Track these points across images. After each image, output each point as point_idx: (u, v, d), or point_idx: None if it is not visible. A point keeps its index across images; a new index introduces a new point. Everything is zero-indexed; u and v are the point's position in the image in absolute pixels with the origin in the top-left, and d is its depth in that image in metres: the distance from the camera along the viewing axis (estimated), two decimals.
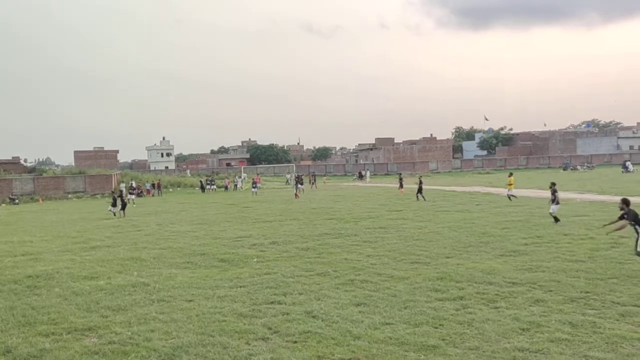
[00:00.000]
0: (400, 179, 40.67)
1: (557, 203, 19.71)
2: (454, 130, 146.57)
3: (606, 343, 7.13)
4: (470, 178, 61.40)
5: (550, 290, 9.85)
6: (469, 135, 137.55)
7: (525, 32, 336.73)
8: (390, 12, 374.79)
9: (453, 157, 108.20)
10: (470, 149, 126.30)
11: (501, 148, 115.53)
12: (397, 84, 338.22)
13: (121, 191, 33.20)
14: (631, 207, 11.62)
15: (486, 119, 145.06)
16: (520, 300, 9.29)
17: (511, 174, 31.42)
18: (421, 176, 39.54)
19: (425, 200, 30.67)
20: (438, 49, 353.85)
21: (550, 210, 19.80)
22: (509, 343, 7.27)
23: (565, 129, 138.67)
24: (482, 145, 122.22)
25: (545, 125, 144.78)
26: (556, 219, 19.01)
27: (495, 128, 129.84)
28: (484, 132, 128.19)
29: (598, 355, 6.71)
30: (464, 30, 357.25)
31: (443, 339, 7.49)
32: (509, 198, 28.83)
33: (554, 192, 20.11)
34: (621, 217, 11.60)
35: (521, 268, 11.79)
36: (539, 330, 7.72)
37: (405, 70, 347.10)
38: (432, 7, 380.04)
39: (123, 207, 29.20)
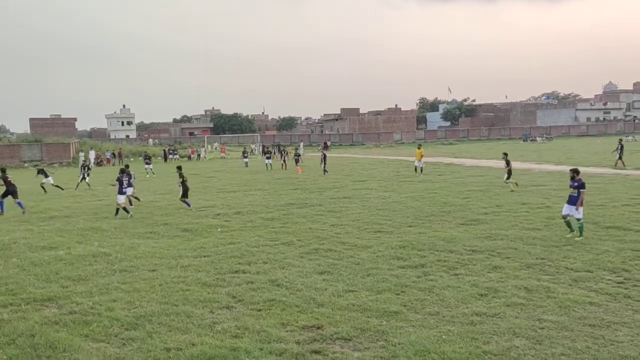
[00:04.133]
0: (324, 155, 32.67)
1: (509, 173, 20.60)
2: (418, 101, 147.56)
3: (559, 307, 7.45)
4: (434, 149, 62.23)
5: (508, 257, 10.18)
6: (433, 106, 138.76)
7: (492, 5, 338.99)
8: None
9: (417, 128, 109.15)
10: (434, 120, 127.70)
11: (464, 119, 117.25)
12: (364, 54, 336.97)
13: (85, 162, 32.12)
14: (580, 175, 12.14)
15: (450, 91, 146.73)
16: (479, 267, 9.58)
17: (420, 146, 30.11)
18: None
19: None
20: (405, 21, 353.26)
21: (505, 180, 20.57)
22: (467, 308, 7.51)
23: (526, 101, 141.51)
24: (446, 116, 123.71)
25: (506, 97, 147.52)
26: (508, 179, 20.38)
27: (459, 99, 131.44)
28: (447, 103, 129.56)
29: (551, 319, 7.01)
30: (433, 2, 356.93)
31: (404, 305, 7.68)
32: (416, 170, 28.08)
33: (507, 162, 21.00)
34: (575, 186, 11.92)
35: (481, 236, 12.12)
36: (496, 296, 8.00)
37: (373, 40, 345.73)
38: None
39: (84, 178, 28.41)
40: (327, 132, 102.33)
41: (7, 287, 9.14)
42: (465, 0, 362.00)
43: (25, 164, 49.02)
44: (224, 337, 6.69)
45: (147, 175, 33.20)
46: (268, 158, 37.77)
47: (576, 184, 11.84)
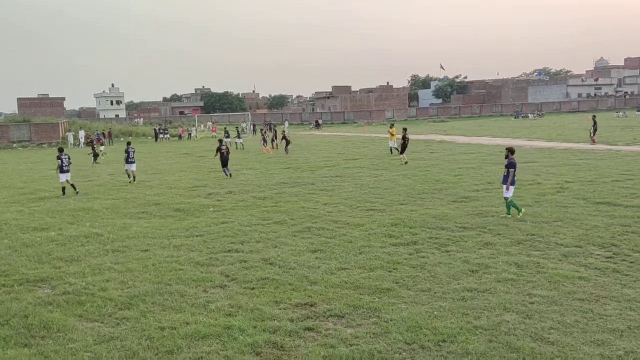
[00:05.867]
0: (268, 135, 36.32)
1: None
2: (410, 79, 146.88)
3: (549, 282, 7.55)
4: (426, 126, 62.23)
5: (499, 234, 10.27)
6: (425, 83, 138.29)
7: None
8: None
9: (409, 106, 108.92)
10: (426, 97, 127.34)
11: (456, 96, 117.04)
12: (355, 31, 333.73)
13: (92, 140, 32.48)
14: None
15: (442, 68, 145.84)
16: (470, 244, 9.66)
17: (392, 125, 29.77)
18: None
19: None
20: None
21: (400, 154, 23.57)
22: (458, 284, 7.59)
23: (518, 77, 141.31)
24: (438, 93, 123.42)
25: (498, 73, 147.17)
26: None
27: (451, 76, 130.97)
28: (439, 80, 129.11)
29: (541, 293, 7.11)
30: None
31: (396, 282, 7.75)
32: (391, 151, 27.49)
33: (404, 137, 23.21)
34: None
35: (472, 213, 12.20)
36: (487, 272, 8.09)
37: (364, 17, 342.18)
38: None
39: (95, 157, 29.29)
40: (318, 110, 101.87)
41: None
42: None
43: (14, 145, 48.53)
44: (218, 315, 6.73)
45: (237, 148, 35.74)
46: (239, 137, 38.55)
47: (507, 163, 11.94)
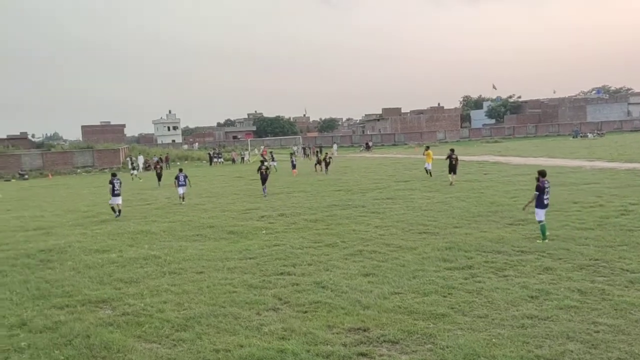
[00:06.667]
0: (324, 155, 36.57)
1: None
2: (461, 100, 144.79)
3: (615, 310, 7.16)
4: (479, 147, 61.02)
5: (560, 259, 9.86)
6: (477, 104, 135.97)
7: None
8: None
9: (461, 127, 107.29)
10: (479, 117, 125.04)
11: (510, 116, 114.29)
12: (405, 54, 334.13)
13: (157, 162, 36.62)
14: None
15: (494, 88, 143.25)
16: (529, 269, 9.32)
17: (428, 147, 29.25)
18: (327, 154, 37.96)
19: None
20: (447, 17, 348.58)
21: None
22: (517, 311, 7.31)
23: (575, 96, 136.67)
24: (491, 113, 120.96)
25: (554, 92, 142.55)
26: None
27: (504, 96, 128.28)
28: (492, 100, 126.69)
29: (607, 322, 6.74)
30: None
31: (452, 308, 7.55)
32: (427, 172, 26.89)
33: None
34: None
35: (530, 237, 11.79)
36: (548, 298, 7.76)
37: (414, 39, 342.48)
38: None
39: (159, 179, 31.84)
40: (368, 133, 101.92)
41: (63, 289, 9.53)
42: None
43: (79, 170, 50.97)
44: (271, 338, 6.75)
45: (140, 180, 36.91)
46: (273, 160, 40.22)
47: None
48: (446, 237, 12.31)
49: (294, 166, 35.14)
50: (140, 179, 37.43)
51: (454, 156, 23.47)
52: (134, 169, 41.39)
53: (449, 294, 8.20)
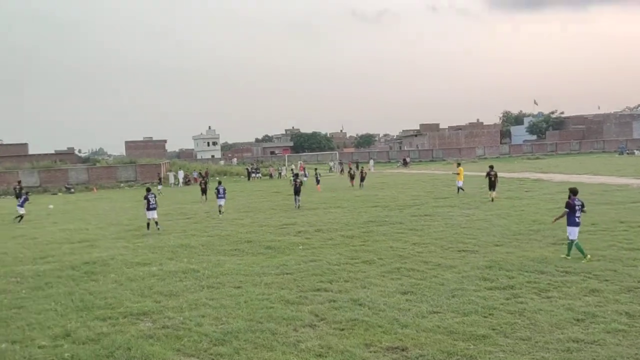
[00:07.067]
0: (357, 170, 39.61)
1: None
2: (501, 115, 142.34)
3: None
4: (519, 164, 59.70)
5: (606, 280, 9.51)
6: (518, 119, 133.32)
7: (583, 11, 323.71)
8: None
9: (501, 143, 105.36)
10: (519, 133, 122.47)
11: (552, 132, 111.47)
12: (442, 69, 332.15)
13: (204, 178, 37.30)
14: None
15: (536, 103, 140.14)
16: (574, 290, 9.01)
17: (459, 164, 29.01)
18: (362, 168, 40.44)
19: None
20: (487, 31, 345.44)
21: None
22: (562, 334, 7.07)
23: (621, 111, 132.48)
24: (532, 129, 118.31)
25: (599, 108, 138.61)
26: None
27: (546, 112, 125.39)
28: (533, 116, 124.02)
29: None
30: (518, 10, 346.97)
31: (493, 329, 7.36)
32: (458, 190, 26.54)
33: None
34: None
35: (575, 257, 11.41)
36: (594, 321, 7.48)
37: (451, 54, 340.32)
38: None
39: (203, 193, 31.81)
40: (406, 148, 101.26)
41: (106, 301, 9.76)
42: (553, 8, 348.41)
43: (122, 184, 52.41)
44: (309, 356, 6.73)
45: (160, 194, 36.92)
46: (305, 176, 41.60)
47: None
48: (486, 255, 12.05)
49: (318, 182, 36.14)
50: (161, 192, 38.33)
51: (492, 173, 23.37)
52: (160, 183, 43.48)
53: (489, 314, 8.00)
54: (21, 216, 24.35)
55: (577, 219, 11.43)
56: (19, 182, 38.02)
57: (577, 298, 8.59)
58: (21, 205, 24.95)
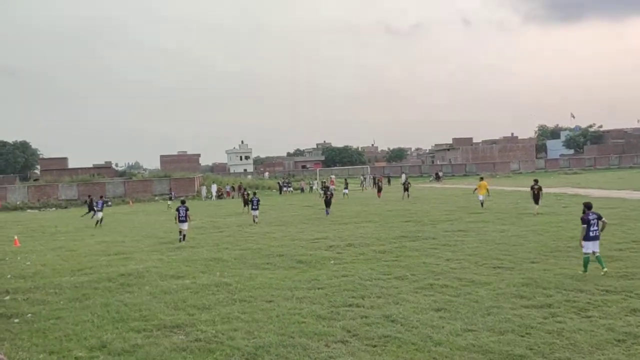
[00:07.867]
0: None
1: None
2: (537, 129, 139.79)
3: None
4: (556, 178, 58.37)
5: None
6: (554, 133, 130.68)
7: (619, 24, 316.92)
8: (473, 7, 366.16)
9: (537, 157, 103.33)
10: (555, 148, 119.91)
11: (590, 147, 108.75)
12: (477, 81, 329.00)
13: (245, 190, 39.61)
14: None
15: (573, 117, 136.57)
16: (615, 310, 8.71)
17: (482, 178, 29.73)
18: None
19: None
20: (523, 45, 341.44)
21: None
22: (603, 355, 6.83)
23: None
24: (569, 143, 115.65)
25: (638, 122, 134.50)
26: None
27: (583, 125, 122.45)
28: (570, 130, 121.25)
29: None
30: (554, 24, 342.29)
31: (530, 349, 7.16)
32: (482, 204, 27.14)
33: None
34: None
35: (615, 275, 11.05)
36: (636, 342, 7.21)
37: (487, 67, 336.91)
38: (519, 1, 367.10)
39: (245, 204, 32.68)
40: (438, 163, 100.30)
41: (140, 313, 9.92)
42: (588, 21, 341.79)
43: (156, 198, 53.45)
44: None
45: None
46: (346, 188, 44.76)
47: None
48: (522, 272, 11.77)
49: (379, 189, 41.33)
50: (170, 207, 38.61)
51: (536, 187, 23.46)
52: (170, 199, 45.62)
53: (526, 333, 7.79)
54: (100, 220, 27.97)
55: (591, 233, 11.38)
56: (89, 196, 40.12)
57: (618, 318, 8.29)
58: (100, 210, 28.64)
